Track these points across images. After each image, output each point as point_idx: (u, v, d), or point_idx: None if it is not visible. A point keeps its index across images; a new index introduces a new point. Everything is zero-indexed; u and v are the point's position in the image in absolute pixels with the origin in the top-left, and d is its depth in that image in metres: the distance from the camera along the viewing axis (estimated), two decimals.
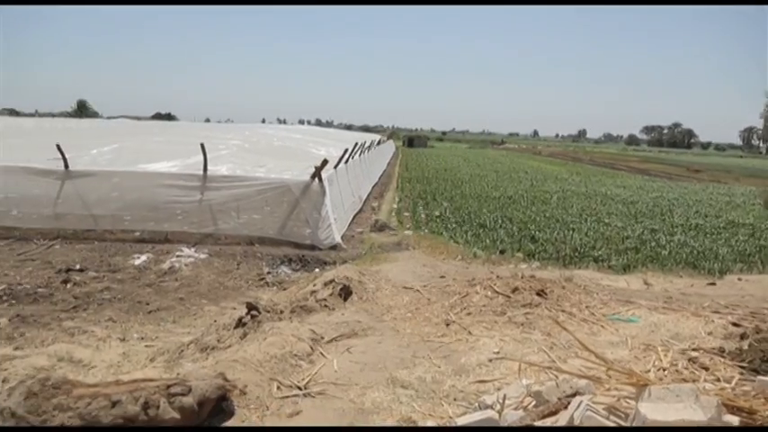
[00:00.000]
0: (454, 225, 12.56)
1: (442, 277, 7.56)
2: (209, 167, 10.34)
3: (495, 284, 6.19)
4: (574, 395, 2.94)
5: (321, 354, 4.46)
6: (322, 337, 4.73)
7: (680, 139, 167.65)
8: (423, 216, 13.99)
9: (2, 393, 2.73)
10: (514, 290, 5.94)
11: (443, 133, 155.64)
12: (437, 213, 14.28)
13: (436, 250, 9.85)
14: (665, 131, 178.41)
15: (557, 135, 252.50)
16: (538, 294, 5.81)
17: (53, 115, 54.34)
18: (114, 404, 2.74)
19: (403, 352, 4.67)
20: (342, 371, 4.21)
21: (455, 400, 3.78)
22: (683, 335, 4.96)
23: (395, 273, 7.71)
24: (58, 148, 10.51)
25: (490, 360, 4.42)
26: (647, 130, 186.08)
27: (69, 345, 5.76)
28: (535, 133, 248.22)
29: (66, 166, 10.63)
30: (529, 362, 4.06)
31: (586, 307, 5.78)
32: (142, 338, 6.02)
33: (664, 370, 3.96)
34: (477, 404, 3.46)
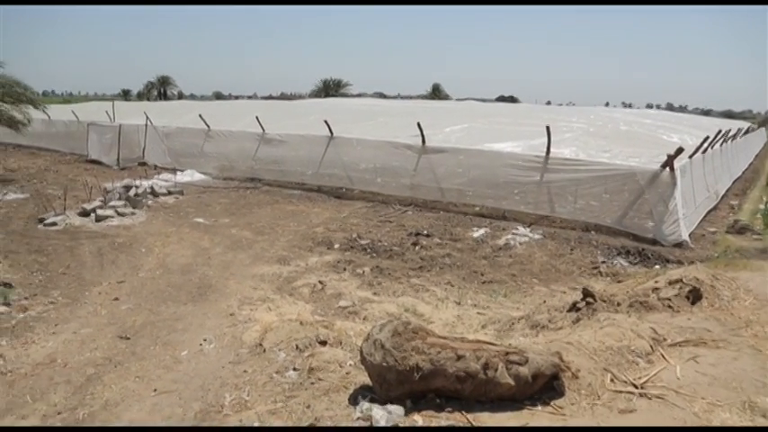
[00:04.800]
0: None
1: None
2: (551, 150, 10.31)
3: None
4: None
5: (662, 356, 4.07)
6: (664, 339, 4.32)
7: None
8: None
9: (375, 327, 3.21)
10: None
11: None
12: None
13: None
14: None
15: None
16: None
17: (411, 98, 61.53)
18: (459, 358, 2.96)
19: (766, 376, 3.96)
20: (685, 379, 3.77)
21: None
22: None
23: (758, 283, 6.55)
24: (419, 126, 11.78)
25: None
26: None
27: (414, 299, 6.50)
28: None
29: (424, 142, 11.87)
30: None
31: None
32: (475, 305, 6.40)
33: None
34: None
